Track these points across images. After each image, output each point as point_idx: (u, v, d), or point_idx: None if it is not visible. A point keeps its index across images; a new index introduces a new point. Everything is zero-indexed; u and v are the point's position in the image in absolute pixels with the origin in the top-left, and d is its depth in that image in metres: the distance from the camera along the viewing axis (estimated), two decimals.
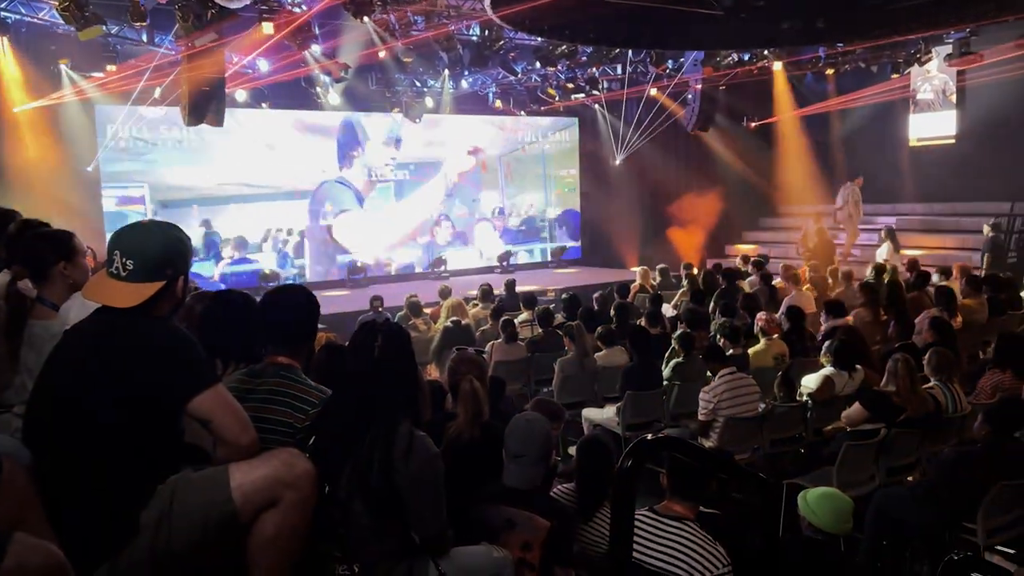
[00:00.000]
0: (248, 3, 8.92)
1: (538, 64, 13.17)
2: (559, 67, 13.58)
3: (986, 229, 12.75)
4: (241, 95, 13.06)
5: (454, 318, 8.74)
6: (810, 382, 5.89)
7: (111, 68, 11.41)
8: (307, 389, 2.63)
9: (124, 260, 2.06)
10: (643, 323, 7.71)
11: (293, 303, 2.68)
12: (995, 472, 4.07)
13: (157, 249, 2.11)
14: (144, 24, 9.82)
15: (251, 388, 2.58)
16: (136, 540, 1.92)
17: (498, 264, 17.18)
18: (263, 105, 14.06)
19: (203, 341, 2.72)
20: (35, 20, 10.87)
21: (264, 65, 12.05)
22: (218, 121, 10.83)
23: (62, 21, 9.29)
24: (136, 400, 1.97)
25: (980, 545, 4.10)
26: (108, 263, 2.11)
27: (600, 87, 15.23)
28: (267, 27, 9.52)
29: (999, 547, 4.24)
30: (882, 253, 12.88)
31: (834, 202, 15.32)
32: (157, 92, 12.24)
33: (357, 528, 2.28)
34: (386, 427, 2.27)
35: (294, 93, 13.73)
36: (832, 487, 3.47)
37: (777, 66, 14.33)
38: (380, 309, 9.95)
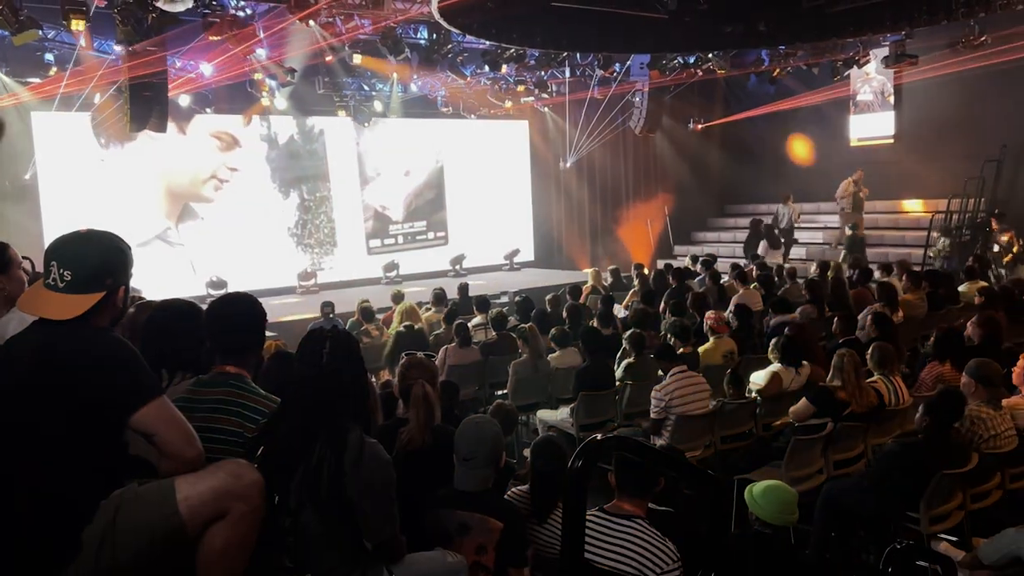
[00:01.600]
0: (190, 7, 8.75)
1: (487, 67, 13.19)
2: (508, 70, 13.62)
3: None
4: (184, 100, 12.82)
5: (407, 323, 8.71)
6: (758, 379, 6.00)
7: (49, 74, 11.11)
8: (256, 398, 2.59)
9: (61, 271, 2.01)
10: (595, 324, 7.77)
11: (239, 311, 2.63)
12: (936, 462, 4.19)
13: (96, 259, 2.05)
14: (82, 29, 9.57)
15: (199, 398, 2.53)
16: (79, 557, 1.87)
17: (451, 268, 17.14)
18: (207, 110, 13.82)
19: (148, 351, 2.67)
20: None
21: (208, 69, 11.83)
22: (161, 127, 10.63)
23: None
24: (77, 414, 1.92)
25: (924, 533, 4.22)
26: (45, 274, 2.05)
27: (549, 90, 15.31)
28: (210, 31, 9.35)
29: (942, 535, 4.37)
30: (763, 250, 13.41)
31: (784, 202, 15.69)
32: (97, 98, 11.97)
33: (308, 537, 2.25)
34: (336, 435, 2.26)
35: (239, 97, 13.51)
36: (777, 480, 3.53)
37: (721, 69, 14.59)
38: (331, 315, 9.84)
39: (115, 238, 2.16)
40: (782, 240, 15.33)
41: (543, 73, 14.49)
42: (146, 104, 10.14)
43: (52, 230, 12.23)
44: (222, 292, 8.99)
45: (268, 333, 9.47)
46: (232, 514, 1.97)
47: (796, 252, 15.45)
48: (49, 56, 11.06)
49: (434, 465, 3.01)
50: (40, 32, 9.37)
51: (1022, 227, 12.48)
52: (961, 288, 9.35)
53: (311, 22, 9.59)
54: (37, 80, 11.41)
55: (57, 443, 1.91)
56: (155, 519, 1.93)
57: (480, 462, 2.86)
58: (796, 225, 15.65)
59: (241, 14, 10.06)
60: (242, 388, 2.57)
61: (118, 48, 9.77)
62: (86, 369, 1.95)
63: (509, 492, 3.46)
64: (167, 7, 8.45)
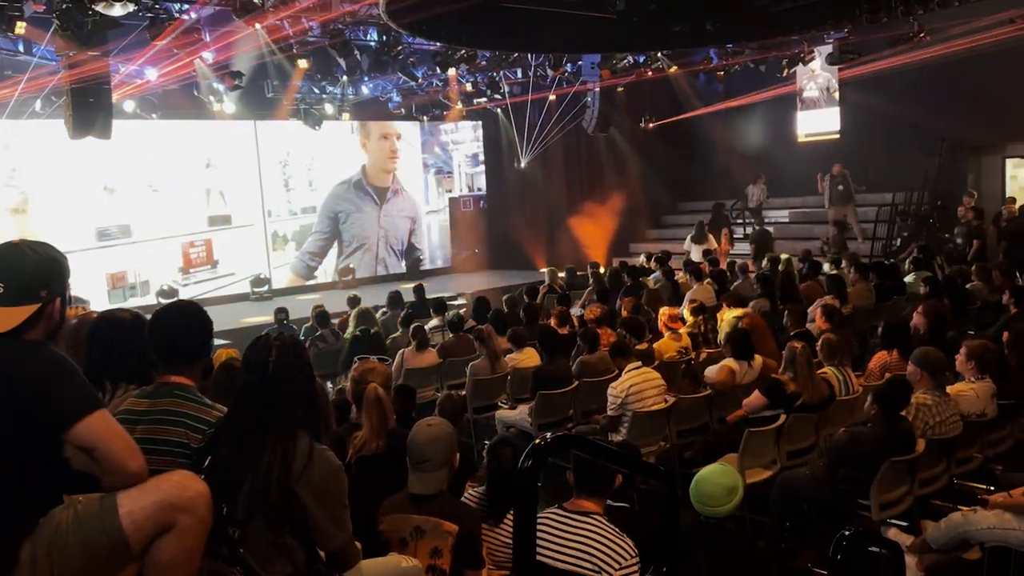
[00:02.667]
0: (132, 10, 8.57)
1: (438, 69, 13.15)
2: (460, 71, 13.59)
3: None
4: (129, 105, 12.55)
5: (363, 327, 8.63)
6: (712, 373, 6.07)
7: None
8: (203, 408, 2.54)
9: None
10: (552, 323, 7.80)
11: (183, 320, 2.58)
12: (885, 449, 4.28)
13: (29, 270, 1.99)
14: (20, 34, 9.31)
15: (144, 410, 2.48)
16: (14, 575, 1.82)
17: (406, 270, 17.07)
18: (153, 116, 13.56)
19: (90, 363, 2.61)
20: None
21: (152, 74, 11.59)
22: (105, 133, 10.38)
23: None
24: (11, 430, 1.86)
25: (875, 520, 4.31)
26: None
27: (502, 91, 15.32)
28: (153, 34, 9.16)
29: (892, 520, 4.46)
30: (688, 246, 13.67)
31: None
32: (38, 104, 11.66)
33: (259, 547, 2.22)
34: (284, 443, 2.22)
35: (186, 102, 13.27)
36: (716, 469, 3.49)
37: (671, 68, 14.75)
38: (286, 321, 9.72)
39: (49, 248, 2.09)
40: (748, 221, 15.81)
41: (495, 74, 14.50)
42: (89, 110, 9.90)
43: None
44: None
45: (221, 341, 9.30)
46: (178, 527, 1.92)
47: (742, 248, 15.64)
48: None
49: (389, 469, 2.99)
50: None
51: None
52: (907, 279, 9.58)
53: (257, 25, 9.45)
54: None
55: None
56: (96, 535, 1.87)
57: (434, 465, 2.84)
58: (764, 206, 15.97)
59: (186, 17, 9.87)
60: (187, 398, 2.52)
61: (58, 53, 9.52)
62: (19, 384, 1.89)
63: (466, 493, 3.45)
64: (107, 11, 8.26)
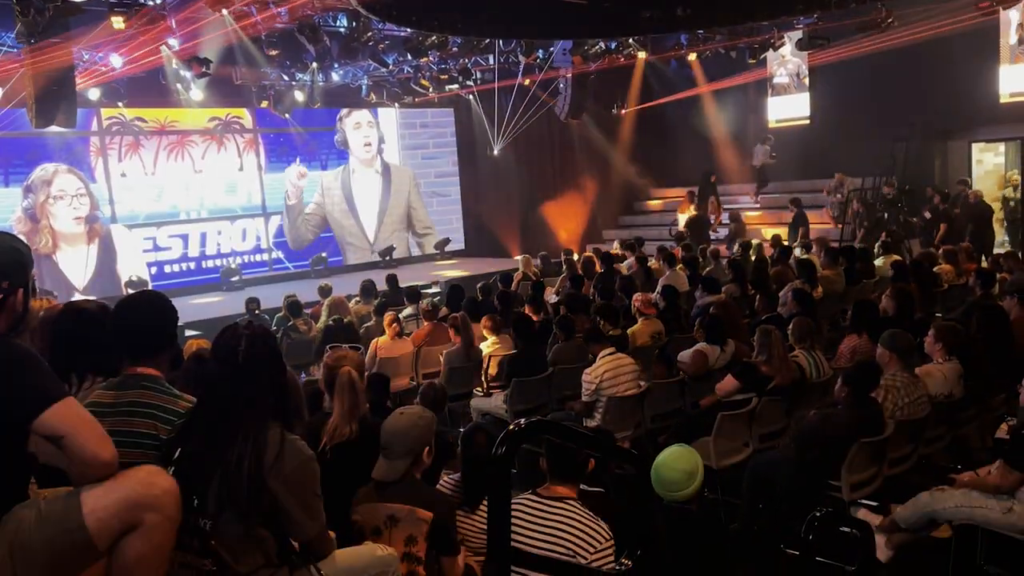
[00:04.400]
0: None
1: (409, 55, 13.05)
2: (431, 58, 13.49)
3: None
4: (94, 93, 12.33)
5: (335, 316, 8.58)
6: (685, 358, 6.11)
7: None
8: (171, 399, 2.51)
9: None
10: (526, 310, 7.80)
11: (146, 310, 2.54)
12: (855, 431, 4.34)
13: None
14: None
15: (111, 402, 2.45)
16: None
17: (380, 259, 16.97)
18: (119, 104, 13.33)
19: (55, 356, 2.56)
20: None
21: (118, 61, 11.39)
22: (69, 122, 10.20)
23: None
24: None
25: (845, 500, 4.37)
26: None
27: (474, 78, 15.24)
28: (117, 21, 8.98)
29: (863, 501, 4.53)
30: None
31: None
32: (0, 93, 11.41)
33: (231, 538, 2.19)
34: (254, 433, 2.19)
35: (153, 90, 13.05)
36: (674, 448, 3.49)
37: (642, 54, 14.76)
38: (257, 311, 9.64)
39: (10, 238, 2.05)
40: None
41: (467, 60, 14.41)
42: (53, 99, 9.72)
43: None
44: None
45: (192, 332, 9.18)
46: (145, 525, 1.88)
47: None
48: None
49: (362, 458, 2.97)
50: None
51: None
52: (876, 263, 9.71)
53: (223, 11, 9.30)
54: None
55: None
56: (60, 534, 1.82)
57: (396, 453, 2.84)
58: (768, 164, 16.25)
59: (151, 2, 9.69)
60: (155, 388, 2.49)
61: (19, 40, 9.32)
62: None
63: (441, 481, 3.45)
64: None
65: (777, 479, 4.53)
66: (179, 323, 2.73)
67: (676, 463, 3.24)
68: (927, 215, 12.67)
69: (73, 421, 1.88)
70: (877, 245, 10.65)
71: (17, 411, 1.85)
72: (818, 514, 2.63)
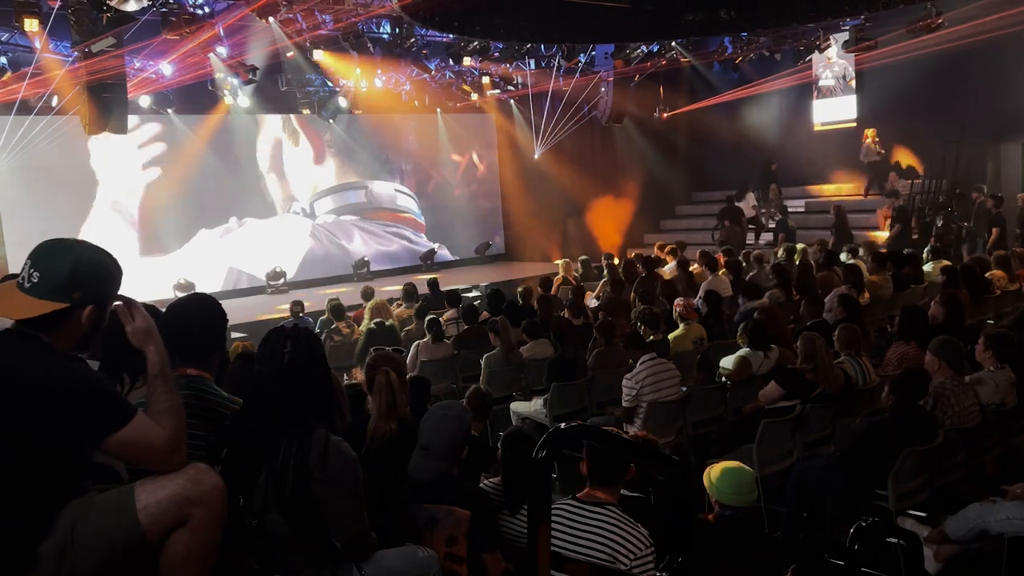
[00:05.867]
0: (145, 5, 8.61)
1: (451, 61, 13.14)
2: (473, 63, 13.57)
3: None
4: (145, 100, 12.63)
5: (377, 319, 8.66)
6: (728, 364, 6.04)
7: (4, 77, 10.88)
8: (219, 400, 2.56)
9: (31, 271, 1.92)
10: (566, 314, 7.79)
11: (197, 312, 2.60)
12: (902, 440, 4.25)
13: (65, 268, 1.92)
14: (36, 30, 9.39)
15: None
16: (35, 571, 1.83)
17: (422, 263, 17.09)
18: (168, 111, 13.63)
19: (108, 356, 2.62)
20: None
21: (168, 69, 11.66)
22: (120, 128, 10.46)
23: None
24: (37, 441, 1.84)
25: (892, 510, 4.28)
26: (21, 271, 1.97)
27: (515, 82, 15.28)
28: (168, 29, 9.21)
29: (910, 511, 4.43)
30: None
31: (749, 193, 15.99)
32: (55, 100, 11.74)
33: (276, 538, 2.23)
34: (299, 434, 2.23)
35: (201, 97, 13.33)
36: (736, 462, 3.52)
37: (685, 57, 14.66)
38: (301, 314, 9.77)
39: (100, 253, 2.01)
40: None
41: (508, 65, 14.47)
42: (105, 106, 9.97)
43: (13, 238, 12.04)
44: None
45: (238, 334, 9.31)
46: (193, 521, 1.93)
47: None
48: (2, 59, 10.83)
49: (402, 459, 2.99)
50: None
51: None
52: (926, 268, 9.49)
53: (270, 19, 9.48)
54: None
55: (13, 466, 1.84)
56: (114, 529, 1.88)
57: (437, 454, 2.85)
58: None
59: (199, 12, 9.92)
60: (204, 390, 2.54)
61: (74, 49, 9.59)
62: (50, 396, 1.85)
63: (481, 484, 3.46)
64: (121, 6, 8.31)
65: (822, 487, 4.46)
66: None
67: (743, 471, 3.25)
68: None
69: (138, 445, 1.92)
70: (926, 250, 10.42)
71: (86, 434, 1.88)
72: (864, 524, 2.58)
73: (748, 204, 15.92)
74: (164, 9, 9.40)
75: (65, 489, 1.94)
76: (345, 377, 7.68)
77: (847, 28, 13.83)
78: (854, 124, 16.31)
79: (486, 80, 15.17)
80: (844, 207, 14.10)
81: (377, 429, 3.06)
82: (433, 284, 10.98)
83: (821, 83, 16.85)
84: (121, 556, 1.89)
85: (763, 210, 16.02)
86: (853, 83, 16.29)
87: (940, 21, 12.41)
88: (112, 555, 1.88)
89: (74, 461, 1.97)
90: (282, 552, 2.24)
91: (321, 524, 2.26)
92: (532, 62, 14.73)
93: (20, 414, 1.82)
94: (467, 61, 13.09)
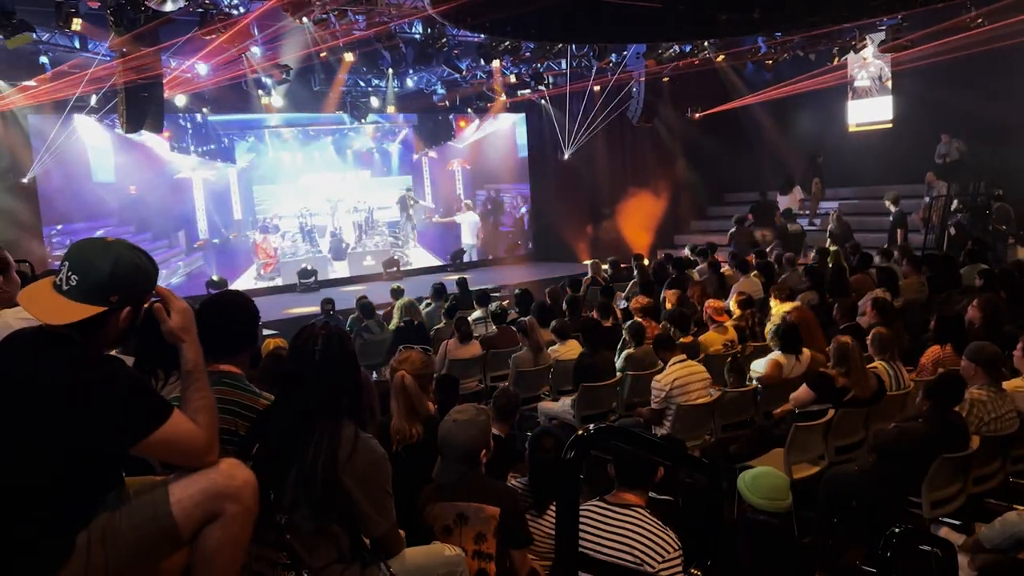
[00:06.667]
0: (182, 6, 8.73)
1: (482, 61, 13.15)
2: (504, 63, 13.57)
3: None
4: (181, 100, 12.81)
5: (407, 318, 8.71)
6: (759, 367, 5.98)
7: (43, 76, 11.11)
8: (251, 396, 2.59)
9: (69, 273, 1.90)
10: (595, 315, 7.77)
11: (229, 310, 2.63)
12: (937, 446, 4.18)
13: (104, 270, 1.90)
14: (76, 31, 9.57)
15: None
16: (70, 563, 1.86)
17: (451, 262, 17.14)
18: (203, 110, 13.81)
19: (143, 351, 2.66)
20: None
21: (203, 69, 11.82)
22: (157, 127, 10.62)
23: None
24: (75, 440, 1.84)
25: (925, 518, 4.21)
26: (57, 272, 1.97)
27: (546, 82, 15.27)
28: (203, 29, 9.33)
29: (944, 519, 4.36)
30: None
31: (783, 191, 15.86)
32: (93, 100, 11.96)
33: (305, 534, 2.25)
34: (330, 431, 2.25)
35: (235, 97, 13.49)
36: (769, 467, 3.50)
37: (718, 57, 14.54)
38: (332, 312, 9.85)
39: (137, 254, 1.99)
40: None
41: (539, 65, 14.46)
42: (142, 105, 10.14)
43: (55, 240, 12.31)
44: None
45: (269, 331, 9.40)
46: (225, 515, 1.95)
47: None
48: (44, 59, 11.04)
49: (430, 458, 3.01)
50: (34, 35, 9.34)
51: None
52: (962, 271, 9.31)
53: (304, 19, 9.56)
54: (32, 83, 11.39)
55: (51, 464, 1.85)
56: (148, 522, 1.90)
57: (452, 457, 2.88)
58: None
59: (235, 12, 10.03)
60: (237, 386, 2.57)
61: (112, 49, 9.76)
62: (88, 397, 1.84)
63: (509, 484, 3.46)
64: (158, 7, 8.43)
65: (854, 493, 4.40)
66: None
67: (777, 475, 3.21)
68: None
69: (175, 444, 1.92)
70: (963, 253, 10.23)
71: (124, 435, 1.89)
72: (897, 531, 2.54)
73: (795, 197, 15.94)
74: (200, 9, 9.52)
75: (101, 484, 1.97)
76: (374, 375, 7.74)
77: (883, 28, 13.61)
78: (890, 125, 16.06)
79: (516, 80, 15.16)
80: (904, 210, 13.71)
81: (399, 430, 3.08)
82: (462, 283, 11.00)
83: (856, 84, 16.62)
84: (155, 548, 1.92)
85: (807, 202, 15.99)
86: (889, 83, 16.05)
87: (979, 20, 12.17)
88: (145, 548, 1.91)
89: (111, 459, 1.99)
90: (311, 548, 2.26)
91: (350, 520, 2.27)
92: (563, 62, 14.70)
93: (56, 416, 1.82)
94: (497, 62, 13.11)
